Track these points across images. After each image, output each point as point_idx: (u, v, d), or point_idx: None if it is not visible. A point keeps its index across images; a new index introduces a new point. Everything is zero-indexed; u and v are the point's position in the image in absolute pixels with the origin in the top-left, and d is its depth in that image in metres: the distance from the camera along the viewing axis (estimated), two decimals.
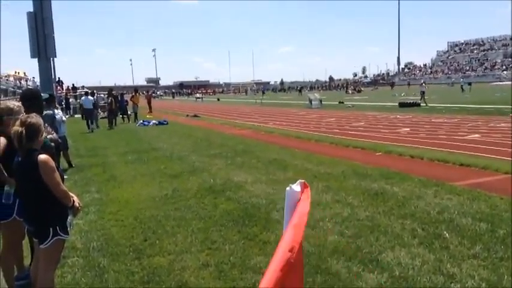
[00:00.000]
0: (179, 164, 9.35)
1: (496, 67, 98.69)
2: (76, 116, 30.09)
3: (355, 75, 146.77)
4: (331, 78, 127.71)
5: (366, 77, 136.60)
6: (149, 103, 29.97)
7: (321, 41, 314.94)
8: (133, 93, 26.18)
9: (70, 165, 9.45)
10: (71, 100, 32.80)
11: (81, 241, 4.74)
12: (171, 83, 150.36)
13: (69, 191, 3.06)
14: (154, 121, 21.39)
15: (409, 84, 77.07)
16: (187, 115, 27.10)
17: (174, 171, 8.58)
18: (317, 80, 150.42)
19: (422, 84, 30.91)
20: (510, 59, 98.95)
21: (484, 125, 14.34)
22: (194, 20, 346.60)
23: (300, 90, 79.67)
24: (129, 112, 24.14)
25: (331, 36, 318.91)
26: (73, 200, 3.04)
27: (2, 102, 4.34)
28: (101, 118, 22.15)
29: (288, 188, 1.56)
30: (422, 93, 28.31)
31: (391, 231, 4.63)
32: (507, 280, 3.42)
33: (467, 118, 17.18)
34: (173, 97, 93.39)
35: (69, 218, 3.06)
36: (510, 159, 8.25)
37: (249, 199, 6.14)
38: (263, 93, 69.15)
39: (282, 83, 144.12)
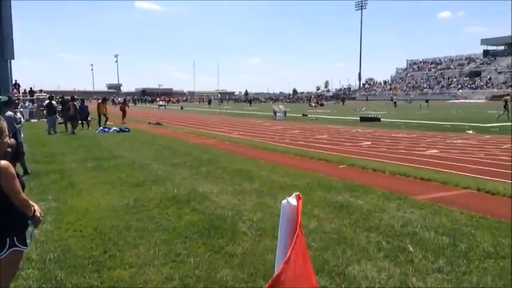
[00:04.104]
0: (141, 173, 9.10)
1: (452, 85, 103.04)
2: (32, 120, 28.97)
3: (318, 88, 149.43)
4: (294, 91, 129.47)
5: (328, 91, 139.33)
6: (123, 111, 28.29)
7: (286, 55, 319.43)
8: (99, 101, 24.52)
9: (26, 171, 9.00)
10: (27, 104, 31.58)
11: (36, 252, 4.47)
12: (133, 90, 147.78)
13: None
14: (115, 128, 20.85)
15: (366, 99, 79.70)
16: (150, 123, 26.61)
17: (135, 179, 8.33)
18: (281, 92, 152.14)
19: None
20: (466, 78, 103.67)
21: (442, 141, 14.84)
22: (158, 27, 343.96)
23: (250, 101, 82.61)
24: (89, 118, 23.40)
25: (296, 50, 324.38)
26: (34, 209, 2.83)
27: None
28: (58, 123, 21.40)
29: (284, 201, 1.50)
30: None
31: (357, 244, 4.64)
32: None
33: (425, 134, 17.75)
34: (135, 104, 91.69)
35: (29, 228, 2.84)
36: (468, 174, 8.54)
37: (214, 210, 6.02)
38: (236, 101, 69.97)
39: (246, 93, 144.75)
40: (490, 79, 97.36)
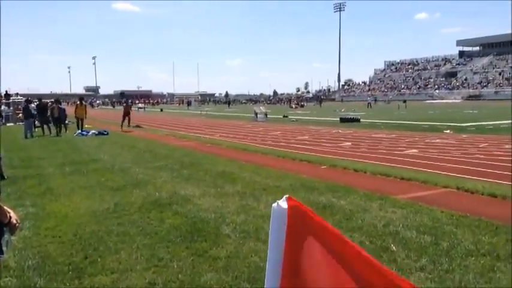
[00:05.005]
0: (121, 177, 8.96)
1: (429, 86, 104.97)
2: (8, 124, 28.31)
3: (298, 90, 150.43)
4: (275, 93, 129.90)
5: (308, 92, 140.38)
6: (127, 115, 24.72)
7: (267, 56, 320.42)
8: (77, 103, 23.18)
9: (2, 177, 8.76)
10: (3, 108, 30.81)
11: (14, 259, 4.33)
12: (111, 92, 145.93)
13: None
14: (93, 131, 20.50)
15: (341, 101, 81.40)
16: (129, 125, 26.30)
17: (116, 183, 8.20)
18: (261, 94, 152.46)
19: None
20: (442, 79, 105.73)
21: (421, 141, 15.07)
22: (137, 28, 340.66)
23: (228, 103, 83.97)
24: (67, 121, 22.95)
25: (277, 51, 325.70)
26: (10, 216, 2.74)
27: None
28: (36, 127, 20.97)
29: (274, 205, 1.46)
30: None
31: None
32: None
33: (404, 134, 18.01)
34: (114, 106, 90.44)
35: (5, 236, 2.74)
36: (447, 173, 8.68)
37: (197, 213, 5.97)
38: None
39: (226, 95, 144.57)
40: (465, 79, 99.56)
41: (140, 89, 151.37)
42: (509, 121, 24.01)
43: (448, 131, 18.65)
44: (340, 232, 1.47)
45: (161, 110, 60.51)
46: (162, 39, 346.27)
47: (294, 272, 1.40)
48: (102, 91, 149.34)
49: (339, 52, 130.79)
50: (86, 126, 22.40)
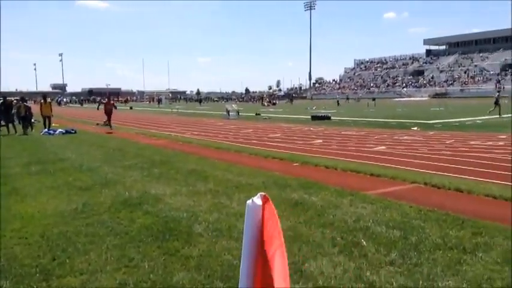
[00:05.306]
0: (90, 176, 8.76)
1: (397, 84, 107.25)
2: None
3: (270, 88, 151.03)
4: (247, 90, 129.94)
5: (280, 90, 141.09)
6: (109, 114, 22.62)
7: (239, 54, 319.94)
8: (41, 102, 21.79)
9: None
10: None
11: None
12: (79, 90, 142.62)
13: None
14: (60, 130, 19.96)
15: (311, 98, 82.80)
16: (98, 124, 25.77)
17: (84, 183, 8.01)
18: (233, 92, 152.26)
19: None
20: (410, 77, 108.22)
21: (389, 138, 15.38)
22: (105, 25, 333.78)
23: (200, 100, 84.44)
24: (33, 120, 22.26)
25: (248, 49, 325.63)
26: None
27: None
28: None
29: (248, 202, 1.44)
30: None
31: (312, 241, 4.69)
32: (422, 285, 3.60)
33: (373, 131, 18.33)
34: (81, 105, 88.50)
35: None
36: (415, 169, 8.89)
37: (168, 212, 5.89)
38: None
39: (198, 93, 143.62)
40: (432, 78, 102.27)
41: (109, 87, 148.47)
42: (474, 118, 24.83)
43: (415, 128, 19.11)
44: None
45: (131, 108, 59.46)
46: (131, 36, 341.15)
47: (269, 268, 1.40)
48: (70, 89, 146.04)
49: (310, 51, 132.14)
50: (53, 125, 21.79)
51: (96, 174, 8.98)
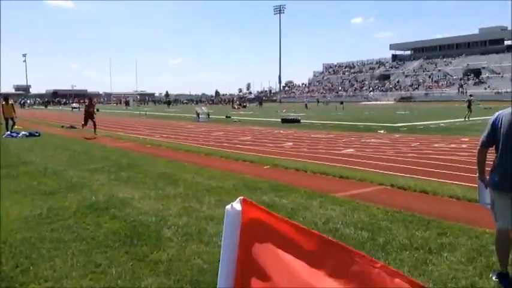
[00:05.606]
0: (54, 180, 8.51)
1: (364, 88, 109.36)
2: None
3: (240, 90, 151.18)
4: (217, 93, 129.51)
5: (250, 93, 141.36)
6: (90, 117, 19.94)
7: (208, 56, 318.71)
8: (3, 103, 20.63)
9: None
10: None
11: None
12: (43, 91, 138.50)
13: None
14: (24, 132, 19.32)
15: (280, 102, 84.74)
16: (63, 126, 25.11)
17: (48, 187, 7.77)
18: (203, 94, 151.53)
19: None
20: (376, 81, 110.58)
21: (357, 141, 15.64)
22: (71, 24, 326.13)
23: (168, 103, 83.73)
24: None
25: (218, 51, 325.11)
26: None
27: None
28: None
29: (228, 207, 1.43)
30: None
31: None
32: None
33: (342, 134, 18.62)
34: (46, 106, 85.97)
35: None
36: (382, 171, 9.07)
37: (136, 217, 5.78)
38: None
39: (167, 95, 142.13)
40: (398, 82, 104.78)
41: (75, 88, 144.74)
42: (438, 121, 25.59)
43: (382, 131, 19.51)
44: (297, 223, 1.47)
45: (97, 110, 57.82)
46: (97, 37, 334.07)
47: (248, 272, 1.39)
48: (34, 90, 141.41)
49: (280, 54, 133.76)
50: (16, 127, 21.02)
51: (61, 178, 8.73)
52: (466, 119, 26.46)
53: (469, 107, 28.56)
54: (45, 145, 15.17)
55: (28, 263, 4.22)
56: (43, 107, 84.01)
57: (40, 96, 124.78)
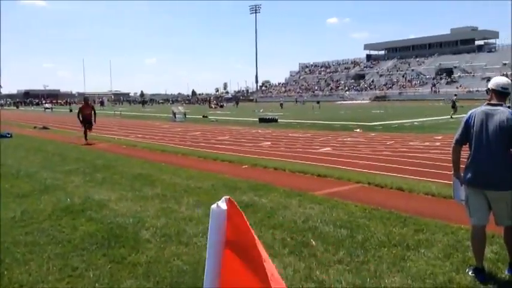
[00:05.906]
0: (28, 182, 8.29)
1: (340, 87, 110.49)
2: None
3: (217, 90, 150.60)
4: (193, 92, 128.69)
5: (227, 92, 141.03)
6: (89, 117, 16.42)
7: (184, 55, 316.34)
8: None
9: None
10: None
11: None
12: (14, 92, 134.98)
13: None
14: None
15: (256, 101, 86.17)
16: (35, 127, 24.53)
17: (21, 190, 7.56)
18: (179, 94, 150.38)
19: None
20: (352, 81, 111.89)
21: (334, 139, 15.80)
22: (42, 23, 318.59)
23: (143, 103, 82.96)
24: None
25: (194, 50, 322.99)
26: None
27: None
28: None
29: (213, 206, 1.41)
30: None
31: (263, 242, 4.64)
32: (370, 282, 3.71)
33: (318, 133, 18.76)
34: (17, 107, 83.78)
35: None
36: (359, 169, 9.17)
37: (113, 218, 5.68)
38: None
39: (142, 94, 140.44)
40: (372, 81, 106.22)
41: (47, 88, 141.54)
42: (412, 120, 26.09)
43: (358, 130, 19.76)
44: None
45: (71, 111, 56.80)
46: (70, 36, 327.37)
47: (234, 272, 1.39)
48: (4, 91, 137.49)
49: (256, 53, 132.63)
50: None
51: (35, 180, 8.51)
52: (452, 118, 27.13)
53: (453, 106, 29.34)
54: (17, 146, 14.78)
55: (2, 267, 4.10)
56: (14, 108, 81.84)
57: (11, 96, 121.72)
